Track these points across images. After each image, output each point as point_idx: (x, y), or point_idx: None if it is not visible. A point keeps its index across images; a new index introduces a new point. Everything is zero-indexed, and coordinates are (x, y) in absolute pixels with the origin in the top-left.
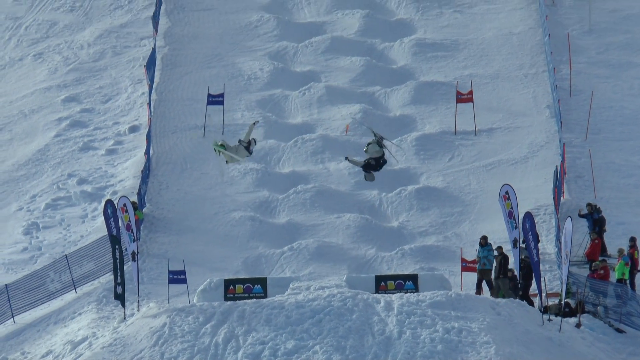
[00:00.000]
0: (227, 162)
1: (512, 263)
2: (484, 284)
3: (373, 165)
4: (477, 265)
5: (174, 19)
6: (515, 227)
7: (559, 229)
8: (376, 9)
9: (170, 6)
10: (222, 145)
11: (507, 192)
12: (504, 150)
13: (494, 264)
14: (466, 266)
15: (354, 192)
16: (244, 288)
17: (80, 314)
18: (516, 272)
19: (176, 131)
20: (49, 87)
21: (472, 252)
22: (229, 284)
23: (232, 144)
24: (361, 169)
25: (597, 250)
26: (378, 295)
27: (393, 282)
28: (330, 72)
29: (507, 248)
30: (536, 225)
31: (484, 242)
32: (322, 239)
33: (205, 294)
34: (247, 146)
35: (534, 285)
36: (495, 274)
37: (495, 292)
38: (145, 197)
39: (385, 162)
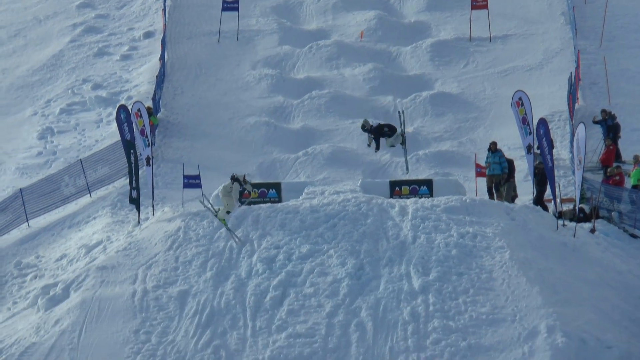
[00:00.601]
0: (228, 212)
1: (527, 169)
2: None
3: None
4: (486, 171)
5: None
6: (530, 133)
7: (573, 135)
8: None
9: None
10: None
11: (520, 99)
12: (519, 57)
13: (505, 169)
14: (480, 172)
15: (369, 98)
16: (259, 192)
17: (94, 218)
18: (530, 178)
19: (191, 37)
20: None
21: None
22: (244, 188)
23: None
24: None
25: (612, 156)
26: (392, 200)
27: (407, 187)
28: None
29: (522, 154)
30: (550, 131)
31: (494, 148)
32: (336, 144)
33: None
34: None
35: (548, 191)
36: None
37: (502, 197)
38: (160, 103)
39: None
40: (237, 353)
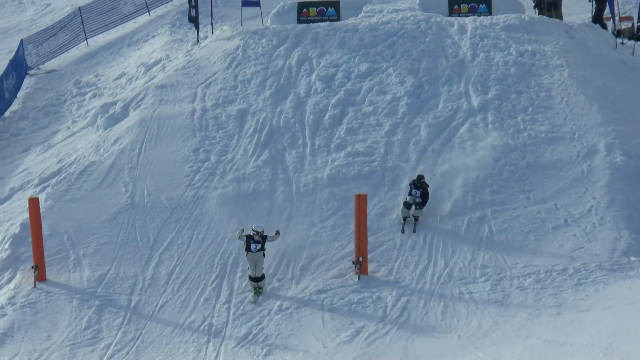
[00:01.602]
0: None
1: None
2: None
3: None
4: None
5: None
6: None
7: None
8: None
9: None
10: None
11: None
12: None
13: None
14: None
15: None
16: (317, 11)
17: (153, 36)
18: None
19: None
20: None
21: None
22: (302, 6)
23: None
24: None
25: None
26: (451, 19)
27: (466, 5)
28: None
29: None
30: None
31: None
32: None
33: (279, 16)
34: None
35: (607, 8)
36: None
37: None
38: None
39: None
40: (296, 171)
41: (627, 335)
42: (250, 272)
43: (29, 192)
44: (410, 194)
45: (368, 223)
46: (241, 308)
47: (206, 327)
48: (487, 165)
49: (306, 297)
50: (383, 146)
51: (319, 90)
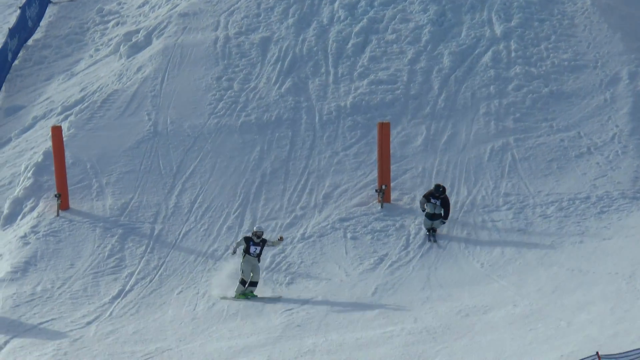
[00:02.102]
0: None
1: None
2: None
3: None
4: None
5: None
6: None
7: None
8: None
9: None
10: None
11: None
12: None
13: None
14: None
15: None
16: None
17: None
18: None
19: None
20: None
21: None
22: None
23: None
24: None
25: None
26: None
27: None
28: None
29: None
30: None
31: None
32: None
33: None
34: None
35: None
36: None
37: None
38: None
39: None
40: (319, 99)
41: None
42: (242, 276)
43: (52, 121)
44: (429, 202)
45: (391, 151)
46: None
47: (229, 256)
48: (509, 93)
49: (329, 226)
50: (406, 74)
51: (342, 18)
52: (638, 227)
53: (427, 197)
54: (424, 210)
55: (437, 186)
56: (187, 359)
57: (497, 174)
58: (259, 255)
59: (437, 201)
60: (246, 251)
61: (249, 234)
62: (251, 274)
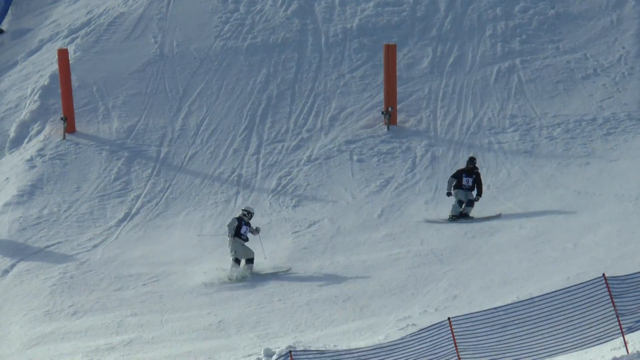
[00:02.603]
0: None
1: None
2: None
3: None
4: None
5: None
6: None
7: None
8: None
9: None
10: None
11: None
12: None
13: None
14: None
15: None
16: None
17: None
18: None
19: None
20: None
21: None
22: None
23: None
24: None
25: None
26: None
27: None
28: None
29: None
30: None
31: None
32: None
33: None
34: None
35: None
36: None
37: None
38: None
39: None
40: (325, 21)
41: None
42: (235, 255)
43: (58, 44)
44: (462, 184)
45: (397, 73)
46: (270, 159)
47: (235, 178)
48: (515, 15)
49: (335, 148)
50: None
51: None
52: None
53: (458, 176)
54: (449, 194)
55: (471, 158)
56: (191, 281)
57: (503, 96)
58: (246, 239)
59: (470, 179)
60: (236, 233)
61: (240, 214)
62: (244, 253)
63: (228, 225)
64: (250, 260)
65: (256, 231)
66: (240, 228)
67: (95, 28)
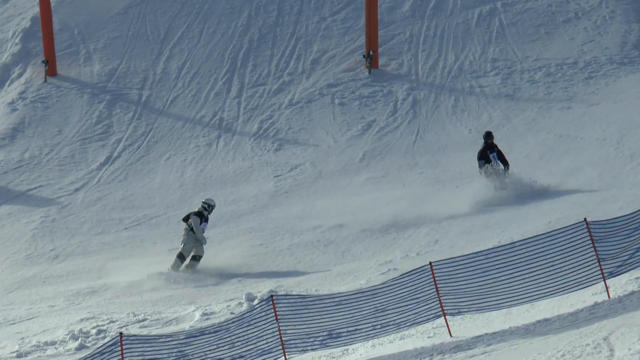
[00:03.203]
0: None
1: None
2: None
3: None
4: None
5: None
6: None
7: None
8: None
9: None
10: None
11: None
12: None
13: None
14: None
15: None
16: None
17: None
18: None
19: None
20: None
21: None
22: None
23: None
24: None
25: None
26: None
27: None
28: None
29: None
30: None
31: None
32: None
33: None
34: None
35: None
36: None
37: None
38: None
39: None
40: None
41: (638, 130)
42: (182, 250)
43: None
44: (488, 163)
45: (378, 16)
46: (252, 102)
47: (217, 122)
48: None
49: (317, 91)
50: None
51: None
52: (626, 93)
53: (484, 153)
54: (482, 168)
55: (488, 133)
56: (175, 225)
57: (484, 39)
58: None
59: (494, 154)
60: (191, 229)
61: (199, 209)
62: (193, 250)
63: (188, 222)
64: (196, 258)
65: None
66: (201, 223)
67: None
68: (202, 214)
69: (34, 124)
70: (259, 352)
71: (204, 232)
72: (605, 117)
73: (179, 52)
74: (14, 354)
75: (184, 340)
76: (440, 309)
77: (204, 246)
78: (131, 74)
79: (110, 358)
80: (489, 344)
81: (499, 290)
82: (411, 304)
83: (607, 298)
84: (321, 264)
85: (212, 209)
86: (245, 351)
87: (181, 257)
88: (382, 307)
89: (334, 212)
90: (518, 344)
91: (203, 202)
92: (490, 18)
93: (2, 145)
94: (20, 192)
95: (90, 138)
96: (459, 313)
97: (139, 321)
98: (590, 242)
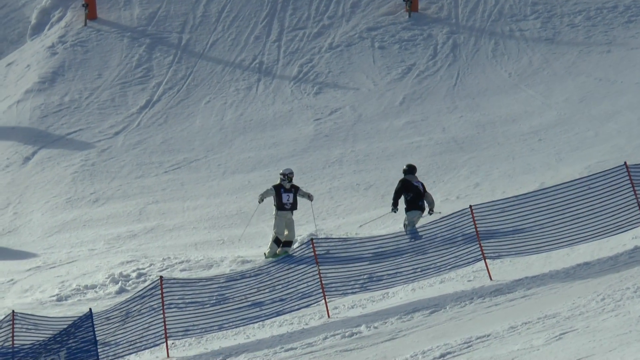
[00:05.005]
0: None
1: None
2: None
3: None
4: None
5: None
6: None
7: None
8: None
9: None
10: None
11: None
12: None
13: None
14: None
15: None
16: None
17: None
18: None
19: None
20: None
21: None
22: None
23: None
24: None
25: None
26: None
27: None
28: None
29: None
30: None
31: None
32: None
33: None
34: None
35: None
36: None
37: None
38: None
39: None
40: None
41: None
42: (276, 234)
43: None
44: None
45: None
46: (292, 46)
47: (257, 65)
48: None
49: (356, 35)
50: None
51: None
52: None
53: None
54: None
55: (411, 168)
56: (215, 168)
57: None
58: (292, 206)
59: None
60: (278, 205)
61: (278, 181)
62: (285, 232)
63: (265, 192)
64: (288, 244)
65: (308, 198)
66: (281, 197)
67: None
68: (281, 186)
69: (73, 68)
70: (299, 295)
71: (289, 201)
72: None
73: None
74: (54, 297)
75: (224, 284)
76: (480, 252)
77: (294, 229)
78: (171, 17)
79: (151, 301)
80: (529, 288)
81: (539, 234)
82: (452, 248)
83: None
84: (361, 207)
85: (290, 177)
86: (286, 294)
87: (277, 241)
88: (423, 250)
89: (373, 155)
90: (558, 288)
91: (280, 174)
92: None
93: (42, 89)
94: (60, 135)
95: (130, 82)
96: (499, 257)
97: (180, 263)
98: (630, 185)
